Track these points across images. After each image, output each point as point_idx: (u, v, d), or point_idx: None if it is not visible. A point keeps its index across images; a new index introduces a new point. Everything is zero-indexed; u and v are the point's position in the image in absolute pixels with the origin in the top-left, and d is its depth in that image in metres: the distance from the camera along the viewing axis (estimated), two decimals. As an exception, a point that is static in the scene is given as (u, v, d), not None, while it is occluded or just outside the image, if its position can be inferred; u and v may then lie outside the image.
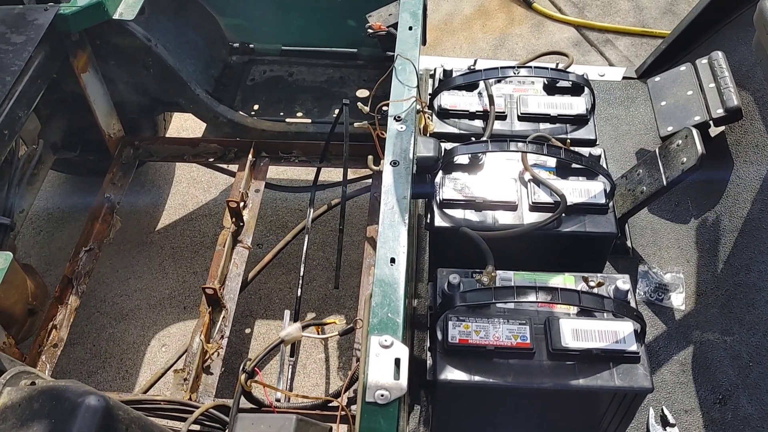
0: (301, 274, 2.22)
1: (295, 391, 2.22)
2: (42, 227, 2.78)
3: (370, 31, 2.10)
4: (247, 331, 2.44)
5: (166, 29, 2.36)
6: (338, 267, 2.21)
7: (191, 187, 2.91)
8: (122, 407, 1.37)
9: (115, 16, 2.02)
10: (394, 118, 1.68)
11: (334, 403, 1.78)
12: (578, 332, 1.45)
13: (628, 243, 2.05)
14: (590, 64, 3.27)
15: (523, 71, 1.89)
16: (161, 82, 2.32)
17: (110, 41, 2.19)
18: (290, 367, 2.10)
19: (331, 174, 2.58)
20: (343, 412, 1.64)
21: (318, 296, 2.52)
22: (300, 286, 2.20)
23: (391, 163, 1.58)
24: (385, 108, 1.77)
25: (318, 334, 1.68)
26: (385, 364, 1.25)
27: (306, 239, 2.27)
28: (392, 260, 1.41)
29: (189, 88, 2.33)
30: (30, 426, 1.29)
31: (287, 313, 2.06)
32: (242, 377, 1.51)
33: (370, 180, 2.38)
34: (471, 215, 1.70)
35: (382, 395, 1.22)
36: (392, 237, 1.45)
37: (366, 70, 2.65)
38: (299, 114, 2.52)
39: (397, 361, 1.26)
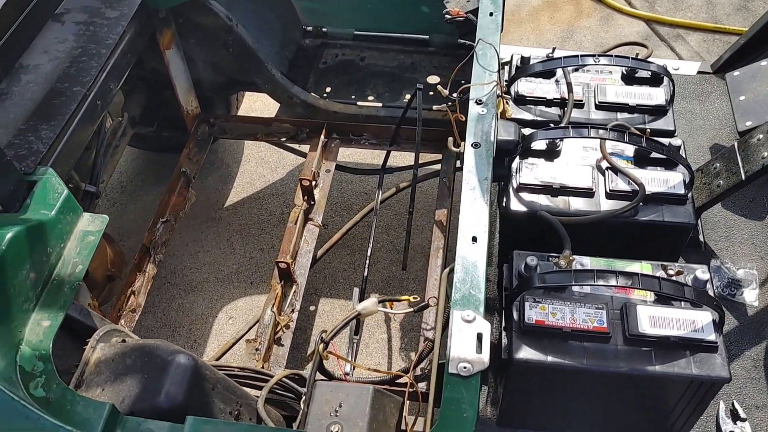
0: (368, 254, 2.26)
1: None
2: (116, 199, 2.88)
3: (448, 16, 2.13)
4: (312, 308, 2.50)
5: (246, 10, 2.42)
6: (406, 249, 2.24)
7: (259, 167, 2.97)
8: (209, 367, 1.43)
9: (202, -5, 2.08)
10: (476, 102, 1.70)
11: (403, 379, 1.82)
12: (656, 319, 1.45)
13: (701, 237, 2.04)
14: (660, 58, 3.23)
15: (603, 60, 1.89)
16: (239, 61, 2.38)
17: (193, 20, 2.26)
18: (355, 344, 2.14)
19: (397, 158, 2.62)
20: (411, 388, 1.68)
21: (382, 277, 2.56)
22: (367, 266, 2.24)
23: (472, 145, 1.61)
24: (462, 92, 1.79)
25: (391, 309, 1.71)
26: (468, 338, 1.29)
27: (374, 221, 2.31)
28: (474, 239, 1.44)
29: (266, 69, 2.39)
30: (123, 380, 1.36)
31: (356, 290, 2.10)
32: (320, 347, 1.55)
33: (439, 165, 2.41)
34: (546, 200, 1.71)
35: (464, 368, 1.25)
36: (474, 216, 1.47)
37: (437, 56, 2.68)
38: (370, 98, 2.55)
39: (479, 336, 1.29)
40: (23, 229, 1.33)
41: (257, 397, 1.53)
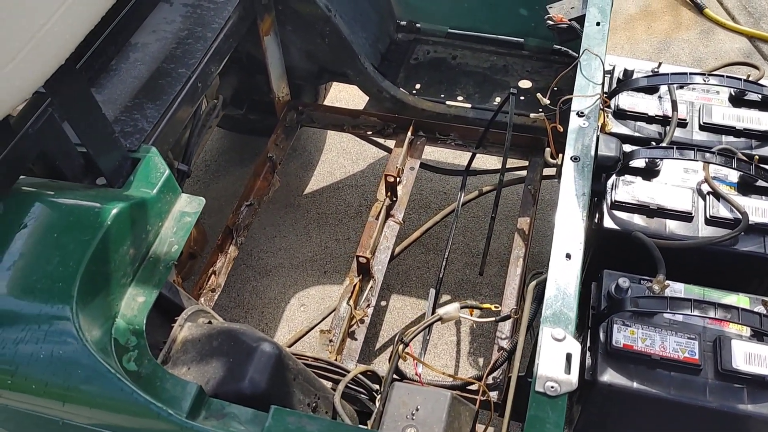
0: (445, 256, 2.25)
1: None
2: (199, 177, 2.94)
3: (550, 22, 2.08)
4: (383, 303, 2.50)
5: (344, 0, 2.42)
6: (485, 254, 2.22)
7: (340, 157, 2.99)
8: (291, 357, 1.45)
9: (305, -16, 2.09)
10: (578, 113, 1.67)
11: (473, 386, 1.81)
12: (751, 356, 1.39)
13: (797, 271, 1.94)
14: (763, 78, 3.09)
15: (712, 79, 1.82)
16: (333, 51, 2.39)
17: (293, 7, 2.27)
18: (424, 345, 2.14)
19: (479, 161, 2.59)
20: (483, 397, 1.67)
21: (455, 280, 2.54)
22: (443, 267, 2.23)
23: (572, 158, 1.57)
24: (564, 102, 1.75)
25: (471, 316, 1.69)
26: (557, 358, 1.26)
27: (454, 222, 2.29)
28: (568, 255, 1.41)
29: (359, 61, 2.39)
30: (209, 361, 1.39)
31: (432, 291, 2.10)
32: (400, 347, 1.55)
33: (524, 171, 2.37)
34: (641, 221, 1.66)
35: (552, 387, 1.23)
36: (569, 232, 1.44)
37: (530, 61, 2.63)
38: (459, 98, 2.53)
39: (569, 356, 1.26)
40: (127, 206, 1.37)
41: (333, 390, 1.54)
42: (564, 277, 1.37)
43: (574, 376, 1.24)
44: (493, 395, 1.78)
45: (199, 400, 1.24)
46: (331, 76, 2.62)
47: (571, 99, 1.71)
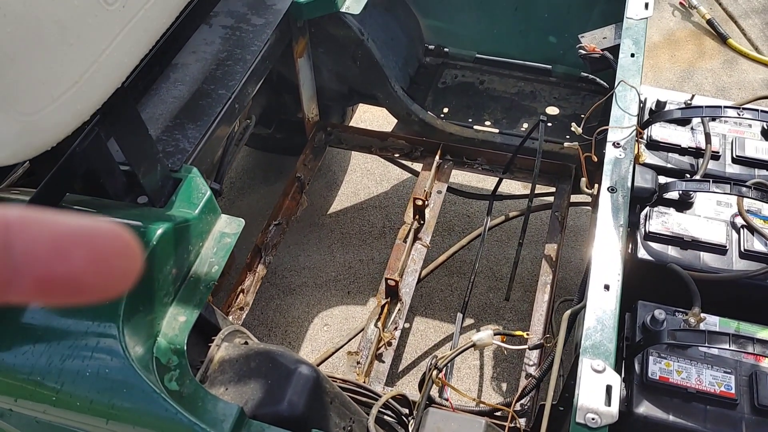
0: (472, 279, 2.26)
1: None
2: (225, 195, 2.96)
3: (582, 51, 2.10)
4: (407, 326, 2.51)
5: (376, 24, 2.45)
6: (512, 280, 2.23)
7: (364, 178, 3.01)
8: (328, 380, 1.45)
9: (342, 9, 2.12)
10: (614, 144, 1.68)
11: (501, 412, 1.81)
12: (788, 392, 1.39)
13: (828, 306, 1.94)
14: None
15: (746, 113, 1.83)
16: (364, 74, 2.42)
17: (327, 30, 2.31)
18: (449, 369, 2.14)
19: (504, 187, 2.60)
20: (512, 423, 1.67)
21: (478, 303, 2.55)
22: (469, 291, 2.24)
23: (608, 189, 1.59)
24: (599, 133, 1.77)
25: (504, 343, 1.70)
26: (597, 389, 1.27)
27: (480, 247, 2.31)
28: (606, 287, 1.42)
29: (389, 84, 2.42)
30: (246, 382, 1.40)
31: (459, 316, 2.10)
32: (433, 373, 1.56)
33: (551, 198, 2.38)
34: (675, 252, 1.67)
35: (592, 419, 1.23)
36: (607, 263, 1.45)
37: (558, 87, 2.65)
38: (487, 123, 2.55)
39: (608, 388, 1.27)
40: (171, 226, 1.39)
41: (365, 413, 1.55)
42: (603, 308, 1.38)
43: (614, 408, 1.24)
44: (522, 422, 1.77)
45: (240, 422, 1.25)
46: (361, 98, 2.65)
47: (606, 129, 1.72)
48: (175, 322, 1.38)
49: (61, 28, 1.03)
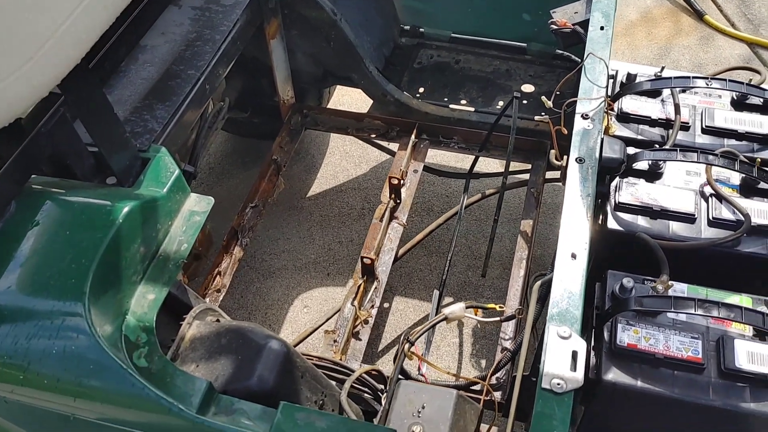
0: (449, 257, 2.27)
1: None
2: (203, 180, 2.96)
3: (554, 27, 2.10)
4: (386, 305, 2.52)
5: (350, 5, 2.44)
6: (488, 256, 2.24)
7: (343, 160, 3.01)
8: (299, 355, 1.46)
9: (313, -11, 2.12)
10: (582, 116, 1.69)
11: (477, 386, 1.82)
12: (754, 355, 1.41)
13: (799, 274, 1.96)
14: (764, 82, 3.12)
15: (715, 83, 1.84)
16: (339, 55, 2.41)
17: (299, 11, 2.30)
18: (427, 345, 2.15)
19: (482, 164, 2.61)
20: (487, 397, 1.68)
21: (457, 282, 2.56)
22: (446, 269, 2.25)
23: (576, 160, 1.59)
24: (568, 105, 1.77)
25: (476, 316, 1.71)
26: (563, 355, 1.28)
27: (457, 226, 2.31)
28: (573, 255, 1.43)
29: (363, 65, 2.41)
30: (217, 359, 1.40)
31: (436, 293, 2.11)
32: (406, 346, 1.57)
33: (526, 175, 2.39)
34: (644, 222, 1.68)
35: (558, 384, 1.24)
36: (574, 233, 1.46)
37: (533, 65, 2.66)
38: (463, 102, 2.55)
39: (574, 354, 1.28)
40: (138, 204, 1.39)
41: (339, 389, 1.56)
42: (570, 276, 1.39)
43: (580, 374, 1.25)
44: (497, 395, 1.79)
45: (209, 396, 1.26)
46: (336, 80, 2.64)
47: (575, 102, 1.73)
48: (144, 300, 1.38)
49: (14, 1, 1.02)
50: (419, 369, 1.77)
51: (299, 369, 1.43)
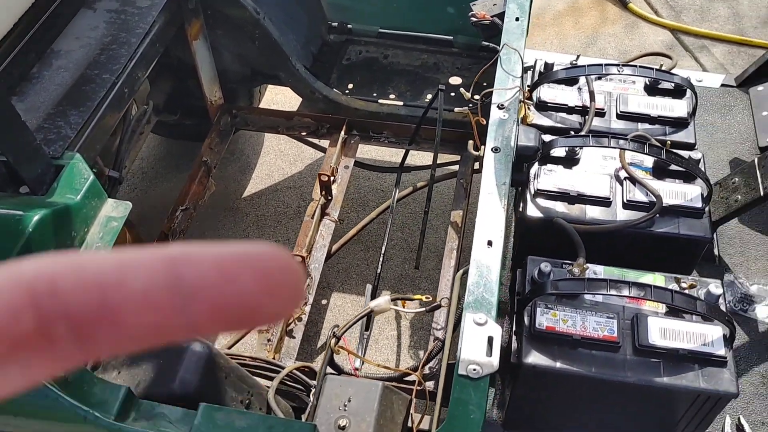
0: (382, 251, 2.28)
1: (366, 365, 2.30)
2: (136, 185, 2.92)
3: (473, 19, 2.14)
4: (324, 302, 2.52)
5: (274, 3, 2.44)
6: (420, 248, 2.26)
7: (278, 159, 3.00)
8: (223, 356, 1.46)
9: (231, -13, 2.11)
10: (498, 106, 1.72)
11: (411, 377, 1.84)
12: (666, 331, 1.46)
13: (716, 251, 2.04)
14: (684, 69, 3.22)
15: (626, 69, 1.90)
16: (264, 54, 2.40)
17: (222, 11, 2.28)
18: (365, 340, 2.17)
19: (415, 157, 2.64)
20: (420, 386, 1.70)
21: (394, 275, 2.58)
22: (380, 263, 2.26)
23: (492, 149, 1.63)
24: (485, 96, 1.81)
25: (404, 308, 1.73)
26: (479, 341, 1.30)
27: (390, 219, 2.33)
28: (489, 243, 1.46)
29: (290, 63, 2.41)
30: (139, 364, 1.39)
31: (368, 287, 2.13)
32: (332, 341, 1.58)
33: (457, 166, 2.42)
34: (563, 207, 1.72)
35: (474, 370, 1.27)
36: (490, 220, 1.49)
37: (460, 58, 2.69)
38: (392, 96, 2.57)
39: (490, 340, 1.31)
40: (49, 212, 1.36)
41: (268, 387, 1.56)
42: (486, 263, 1.42)
43: (495, 358, 1.28)
44: (430, 384, 1.81)
45: (128, 402, 1.25)
46: (264, 79, 2.63)
47: (491, 92, 1.76)
48: (60, 310, 1.36)
49: None
50: (352, 364, 1.78)
51: (223, 370, 1.42)
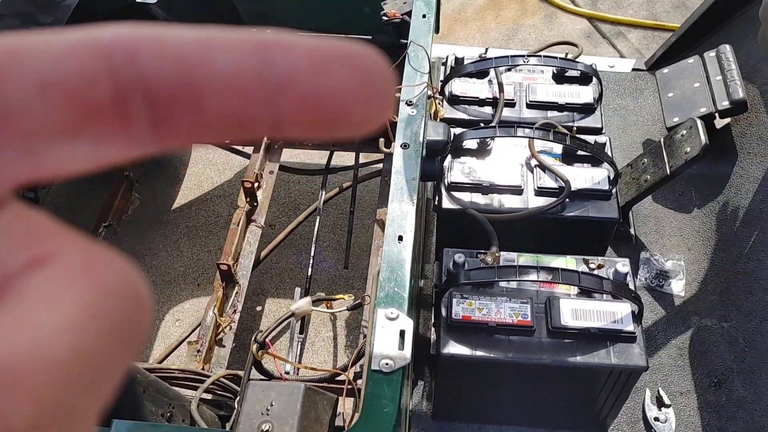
0: (312, 254, 2.29)
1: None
2: (62, 203, 2.86)
3: (384, 18, 2.16)
4: (259, 308, 2.51)
5: (187, 12, 2.42)
6: (348, 247, 2.28)
7: (207, 169, 2.98)
8: (140, 370, 1.45)
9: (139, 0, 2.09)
10: (406, 103, 1.74)
11: (342, 377, 1.85)
12: (577, 312, 1.50)
13: (632, 230, 2.10)
14: (602, 55, 3.31)
15: (532, 60, 1.94)
16: (180, 64, 2.38)
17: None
18: (299, 343, 2.17)
19: (345, 158, 2.65)
20: (349, 386, 1.72)
21: (328, 276, 2.59)
22: (311, 265, 2.27)
23: (401, 146, 1.65)
24: (397, 93, 1.83)
25: (327, 309, 1.74)
26: (391, 336, 1.32)
27: (317, 220, 2.34)
28: (400, 238, 1.47)
29: (207, 71, 2.39)
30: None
31: (297, 290, 2.14)
32: (254, 347, 1.58)
33: (381, 164, 2.44)
34: (477, 198, 1.76)
35: (386, 364, 1.28)
36: (400, 216, 1.51)
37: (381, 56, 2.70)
38: (314, 98, 2.57)
39: (402, 333, 1.33)
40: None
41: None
42: (396, 258, 1.44)
43: (407, 351, 1.30)
44: (360, 383, 1.82)
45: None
46: (183, 89, 2.61)
47: (400, 89, 1.78)
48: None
49: None
50: (278, 368, 1.78)
51: (140, 385, 1.41)
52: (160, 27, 0.22)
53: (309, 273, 2.25)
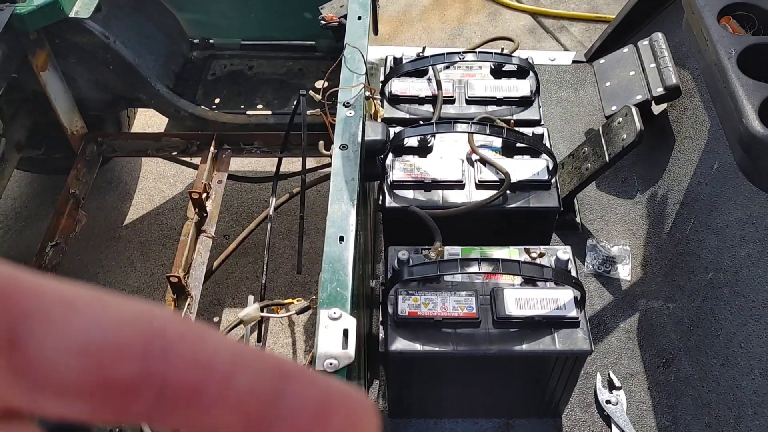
0: (265, 261, 2.28)
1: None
2: (10, 226, 2.81)
3: (323, 22, 2.17)
4: (216, 319, 2.50)
5: (124, 26, 2.40)
6: (300, 252, 2.27)
7: (157, 182, 2.95)
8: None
9: (72, 15, 2.06)
10: (343, 104, 1.75)
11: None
12: (521, 301, 1.53)
13: (578, 219, 2.14)
14: (546, 49, 3.36)
15: (468, 56, 1.97)
16: (121, 78, 2.37)
17: (69, 39, 2.23)
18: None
19: (293, 164, 2.65)
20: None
21: (284, 283, 2.58)
22: (264, 273, 2.26)
23: (340, 147, 1.65)
24: (332, 96, 1.84)
25: (276, 314, 1.74)
26: (334, 335, 1.33)
27: (269, 227, 2.33)
28: (341, 238, 1.48)
29: (149, 84, 2.38)
30: None
31: (251, 298, 2.12)
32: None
33: (330, 168, 2.45)
34: (420, 195, 1.77)
35: (330, 363, 1.29)
36: (341, 217, 1.51)
37: (325, 61, 2.71)
38: (259, 106, 2.58)
39: (345, 332, 1.33)
40: None
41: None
42: (338, 259, 1.44)
43: (351, 350, 1.31)
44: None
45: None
46: (127, 103, 2.59)
47: (338, 92, 1.79)
48: None
49: None
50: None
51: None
52: (205, 329, 0.23)
53: (263, 281, 2.24)
